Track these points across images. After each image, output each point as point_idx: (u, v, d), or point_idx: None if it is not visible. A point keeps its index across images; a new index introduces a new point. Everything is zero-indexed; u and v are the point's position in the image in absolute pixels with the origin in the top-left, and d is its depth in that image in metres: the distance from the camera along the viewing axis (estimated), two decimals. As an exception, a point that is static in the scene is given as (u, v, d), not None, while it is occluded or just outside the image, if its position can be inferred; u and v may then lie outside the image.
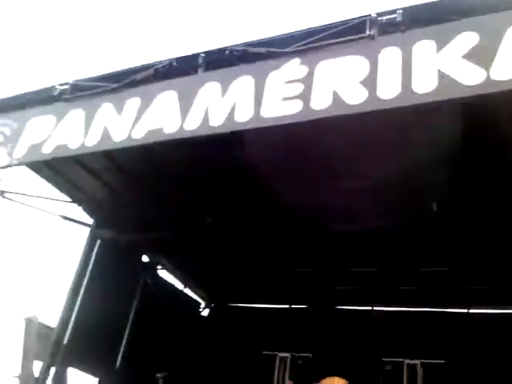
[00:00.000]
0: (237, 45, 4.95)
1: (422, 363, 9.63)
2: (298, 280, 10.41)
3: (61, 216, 8.53)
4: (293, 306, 11.52)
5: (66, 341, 8.52)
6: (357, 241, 8.24)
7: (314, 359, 10.48)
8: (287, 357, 10.88)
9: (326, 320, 10.45)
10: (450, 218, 7.11)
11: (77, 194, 8.31)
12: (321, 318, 10.52)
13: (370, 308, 10.77)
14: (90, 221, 8.83)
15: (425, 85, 3.77)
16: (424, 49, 3.87)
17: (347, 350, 9.59)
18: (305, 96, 4.31)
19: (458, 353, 8.70)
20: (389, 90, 3.92)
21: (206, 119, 4.73)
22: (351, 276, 9.71)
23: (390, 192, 6.74)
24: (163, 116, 4.95)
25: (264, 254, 9.40)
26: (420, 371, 9.61)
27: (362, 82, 4.08)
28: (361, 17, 4.37)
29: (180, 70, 5.05)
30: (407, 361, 9.78)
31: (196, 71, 4.95)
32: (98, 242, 8.96)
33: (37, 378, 8.09)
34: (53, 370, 8.29)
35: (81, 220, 8.78)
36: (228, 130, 4.70)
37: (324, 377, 10.30)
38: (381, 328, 9.69)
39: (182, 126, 4.82)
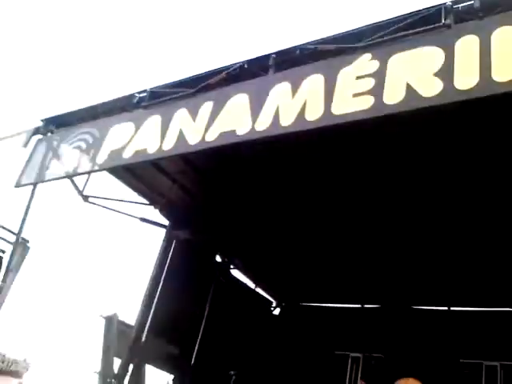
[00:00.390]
0: (307, 43, 4.97)
1: (501, 365, 9.23)
2: (371, 278, 10.26)
3: (140, 218, 8.88)
4: (365, 306, 11.38)
5: (143, 338, 8.85)
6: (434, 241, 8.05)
7: (387, 360, 10.29)
8: (359, 357, 10.77)
9: (399, 320, 10.23)
10: None
11: (154, 197, 8.65)
12: (394, 318, 10.32)
13: (446, 308, 10.44)
14: (167, 222, 9.14)
15: (506, 73, 3.62)
16: (504, 35, 3.72)
17: (422, 351, 9.35)
18: (377, 90, 4.26)
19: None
20: (466, 80, 3.80)
21: (276, 119, 4.79)
22: (426, 276, 9.44)
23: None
24: (235, 118, 5.07)
25: (336, 253, 9.37)
26: (500, 373, 9.21)
27: (436, 74, 3.99)
28: (435, 6, 4.25)
29: (251, 71, 5.15)
30: (486, 362, 9.40)
31: (267, 72, 5.03)
32: (174, 242, 9.28)
33: (116, 374, 8.44)
34: (131, 366, 8.64)
35: (158, 221, 9.10)
36: (298, 129, 4.74)
37: (398, 378, 10.10)
38: (458, 329, 9.37)
39: (253, 127, 4.91)
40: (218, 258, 10.76)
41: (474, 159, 6.03)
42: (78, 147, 6.23)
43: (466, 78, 3.79)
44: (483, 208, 6.89)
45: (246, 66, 5.21)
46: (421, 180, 6.66)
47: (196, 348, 9.69)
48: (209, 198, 8.51)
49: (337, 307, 11.71)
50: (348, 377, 10.69)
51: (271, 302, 12.47)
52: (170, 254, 9.29)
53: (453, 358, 9.40)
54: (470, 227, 7.45)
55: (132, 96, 6.03)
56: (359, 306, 11.45)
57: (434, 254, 8.50)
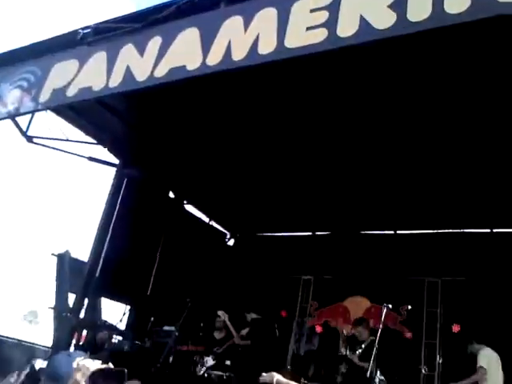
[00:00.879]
0: (260, -25, 4.74)
1: (441, 281, 9.94)
2: (322, 208, 10.59)
3: (87, 158, 8.66)
4: (316, 233, 11.81)
5: (97, 273, 8.96)
6: (380, 167, 8.30)
7: (337, 281, 10.87)
8: (311, 279, 11.30)
9: (348, 245, 10.72)
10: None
11: (102, 136, 8.40)
12: (344, 243, 10.80)
13: (392, 232, 11.00)
14: (117, 161, 8.96)
15: (457, 4, 3.63)
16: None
17: (369, 272, 9.90)
18: (331, 23, 4.19)
19: (479, 270, 8.90)
20: (419, 11, 3.79)
21: (228, 54, 4.64)
22: (374, 201, 9.83)
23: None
24: (185, 53, 4.88)
25: (287, 183, 9.54)
26: (440, 288, 9.94)
27: (390, 6, 3.95)
28: None
29: (202, 5, 4.91)
30: (428, 279, 10.09)
31: (218, 6, 4.81)
32: (125, 180, 9.17)
33: (71, 309, 8.57)
34: (86, 300, 8.78)
35: (107, 160, 8.90)
36: (250, 63, 4.64)
37: (347, 296, 10.76)
38: (403, 249, 9.91)
39: (204, 62, 4.74)
40: (171, 195, 10.76)
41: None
42: (20, 87, 5.86)
43: (419, 10, 3.78)
44: (427, 131, 7.09)
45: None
46: (366, 105, 6.75)
47: (152, 280, 9.89)
48: (158, 134, 8.34)
49: (289, 236, 12.11)
50: (300, 298, 11.26)
51: (225, 234, 12.73)
52: (122, 192, 9.22)
53: (397, 276, 10.01)
54: (412, 150, 7.66)
55: (75, 32, 5.63)
56: (310, 233, 11.89)
57: (379, 181, 8.77)
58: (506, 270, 8.51)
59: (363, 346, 6.88)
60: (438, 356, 9.30)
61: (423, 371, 9.17)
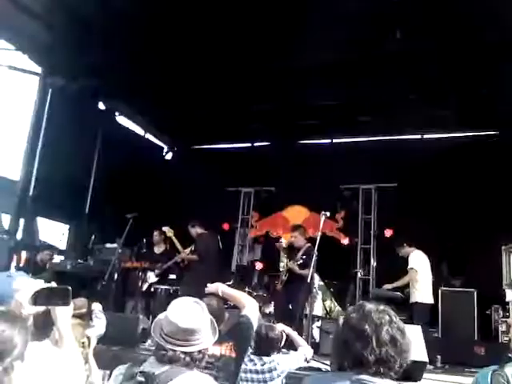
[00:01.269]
0: None
1: (376, 187, 10.34)
2: (260, 118, 10.47)
3: (7, 66, 7.92)
4: (255, 144, 11.77)
5: (31, 192, 8.61)
6: (317, 75, 8.18)
7: (277, 191, 11.05)
8: (251, 191, 11.42)
9: (287, 155, 10.79)
10: (412, 47, 7.09)
11: (21, 41, 7.63)
12: (282, 154, 10.86)
13: (329, 141, 11.14)
14: (39, 69, 8.26)
15: None
16: None
17: (307, 181, 10.08)
18: None
19: (410, 176, 9.26)
20: None
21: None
22: (312, 111, 9.82)
23: (351, 20, 6.57)
24: None
25: (224, 93, 9.26)
26: (374, 194, 10.36)
27: None
28: None
29: None
30: (362, 186, 10.46)
31: None
32: (50, 91, 8.55)
33: (7, 230, 8.29)
34: (22, 221, 8.48)
35: (29, 69, 8.20)
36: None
37: (286, 206, 11.02)
38: (339, 158, 10.09)
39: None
40: (102, 106, 10.21)
41: None
42: None
43: None
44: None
45: None
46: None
47: (89, 197, 9.62)
48: (83, 37, 7.66)
49: (228, 148, 12.00)
50: (241, 210, 11.42)
51: (162, 148, 12.43)
52: (48, 103, 8.64)
53: (334, 185, 10.29)
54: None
55: None
56: (249, 144, 11.82)
57: (314, 91, 8.70)
58: (434, 175, 8.90)
59: (300, 253, 7.10)
60: (372, 260, 9.88)
61: (359, 275, 9.76)
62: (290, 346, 4.03)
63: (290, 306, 6.92)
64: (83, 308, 3.90)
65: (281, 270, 7.31)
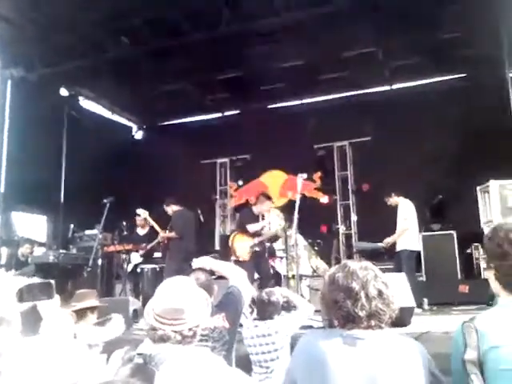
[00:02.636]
0: None
1: (350, 143, 10.40)
2: (226, 86, 10.34)
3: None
4: (225, 114, 11.65)
5: (2, 189, 8.47)
6: (280, 36, 8.09)
7: (252, 159, 11.04)
8: (226, 162, 11.40)
9: (258, 121, 10.71)
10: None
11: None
12: (254, 121, 10.76)
13: (299, 102, 11.08)
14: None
15: None
16: None
17: (281, 145, 10.07)
18: None
19: (383, 129, 9.31)
20: None
21: None
22: (277, 74, 9.72)
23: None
24: None
25: (188, 65, 9.09)
26: (349, 150, 10.44)
27: None
28: None
29: None
30: (337, 143, 10.52)
31: None
32: (9, 82, 8.30)
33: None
34: (-2, 217, 8.37)
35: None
36: None
37: (263, 172, 11.04)
38: (310, 118, 10.07)
39: None
40: (64, 92, 9.94)
41: None
42: None
43: None
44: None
45: None
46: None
47: (62, 186, 9.47)
48: (37, 26, 7.42)
49: (198, 120, 11.86)
50: (218, 181, 11.41)
51: (131, 128, 12.22)
52: (8, 97, 8.41)
53: (308, 145, 10.32)
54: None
55: None
56: (220, 114, 11.70)
57: (281, 50, 8.60)
58: (407, 124, 8.96)
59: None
60: (352, 215, 10.03)
61: (341, 230, 9.92)
62: (288, 306, 4.12)
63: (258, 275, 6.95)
64: (87, 299, 3.88)
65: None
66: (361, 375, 1.67)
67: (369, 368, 1.67)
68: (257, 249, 6.87)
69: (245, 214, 7.33)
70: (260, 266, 6.85)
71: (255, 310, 3.73)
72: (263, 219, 7.10)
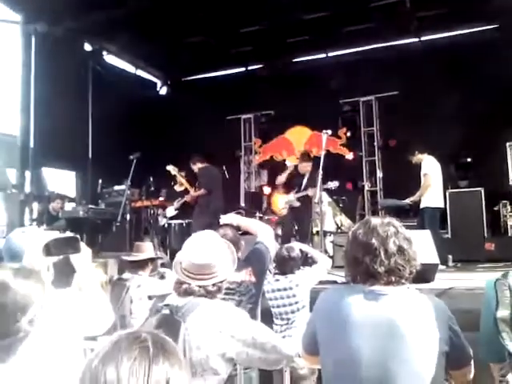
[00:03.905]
0: None
1: (376, 98, 10.16)
2: (250, 40, 10.14)
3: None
4: (249, 68, 11.47)
5: (32, 145, 8.62)
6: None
7: (276, 115, 10.93)
8: (250, 117, 11.32)
9: (282, 76, 10.55)
10: None
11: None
12: (278, 75, 10.61)
13: (324, 55, 10.82)
14: (18, 17, 7.98)
15: None
16: None
17: (307, 101, 9.91)
18: None
19: (411, 83, 9.03)
20: None
21: None
22: (302, 26, 9.48)
23: None
24: None
25: (210, 18, 8.95)
26: (375, 105, 10.21)
27: None
28: None
29: None
30: (362, 98, 10.29)
31: None
32: (33, 38, 8.31)
33: (15, 184, 8.39)
34: (28, 174, 8.56)
35: (7, 18, 7.92)
36: None
37: (287, 128, 10.95)
38: (335, 72, 9.83)
39: None
40: (88, 47, 9.93)
41: None
42: None
43: None
44: None
45: None
46: None
47: (90, 142, 9.59)
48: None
49: (222, 75, 11.70)
50: (243, 137, 11.38)
51: (156, 83, 12.18)
52: (33, 53, 8.44)
53: (333, 101, 10.14)
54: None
55: None
56: (243, 69, 11.52)
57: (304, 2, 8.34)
58: (435, 78, 8.68)
59: (304, 179, 7.15)
60: (378, 171, 9.92)
61: (366, 187, 9.85)
62: (305, 261, 4.19)
63: (296, 226, 7.06)
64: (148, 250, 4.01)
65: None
66: (382, 328, 1.72)
67: (389, 322, 1.71)
68: (294, 204, 6.98)
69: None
70: (299, 220, 6.91)
71: (274, 266, 3.83)
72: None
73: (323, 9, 8.92)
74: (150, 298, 3.39)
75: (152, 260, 4.02)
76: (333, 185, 6.78)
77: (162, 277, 3.92)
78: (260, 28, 9.66)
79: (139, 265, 3.92)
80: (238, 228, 3.43)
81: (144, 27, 8.71)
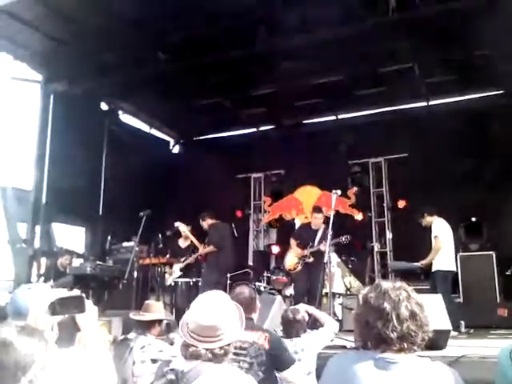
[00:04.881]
0: None
1: (385, 159, 10.27)
2: (262, 102, 10.42)
3: (8, 77, 7.98)
4: (260, 129, 11.73)
5: (44, 200, 8.72)
6: (316, 52, 8.10)
7: (287, 174, 11.06)
8: (261, 176, 11.44)
9: (293, 137, 10.76)
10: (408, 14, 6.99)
11: (18, 50, 7.66)
12: (289, 136, 10.82)
13: (334, 117, 11.06)
14: (39, 77, 8.31)
15: None
16: None
17: (317, 161, 10.05)
18: None
19: (420, 145, 9.16)
20: None
21: None
22: (313, 89, 9.75)
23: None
24: None
25: (225, 80, 9.25)
26: (384, 166, 10.30)
27: None
28: None
29: None
30: (372, 160, 10.40)
31: None
32: (52, 96, 8.60)
33: (25, 239, 8.41)
34: (38, 229, 8.60)
35: (28, 78, 8.24)
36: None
37: (297, 188, 11.03)
38: (345, 134, 10.03)
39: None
40: (104, 106, 10.25)
41: None
42: None
43: None
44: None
45: None
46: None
47: (101, 199, 9.71)
48: (80, 42, 7.68)
49: (234, 136, 11.96)
50: (252, 196, 11.44)
51: (169, 142, 12.45)
52: (51, 110, 8.72)
53: (343, 161, 10.26)
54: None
55: None
56: (254, 130, 11.78)
57: (317, 66, 8.61)
58: (444, 141, 8.79)
59: (319, 235, 7.13)
60: (387, 232, 9.86)
61: (376, 248, 9.76)
62: (313, 323, 4.12)
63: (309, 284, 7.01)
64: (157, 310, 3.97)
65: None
66: (392, 400, 1.65)
67: (399, 393, 1.65)
68: (308, 260, 6.94)
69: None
70: (312, 277, 6.88)
71: (282, 328, 3.75)
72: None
73: (334, 73, 9.19)
74: (153, 361, 3.31)
75: (160, 322, 3.93)
76: (345, 238, 6.73)
77: (172, 343, 3.82)
78: (271, 91, 9.94)
79: (146, 325, 3.82)
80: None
81: (159, 88, 8.99)
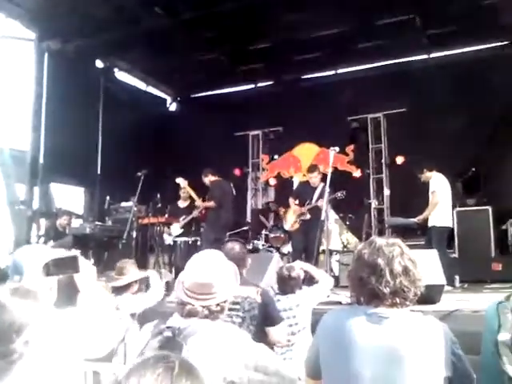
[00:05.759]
0: None
1: (384, 115, 10.14)
2: (260, 57, 10.21)
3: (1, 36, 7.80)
4: (258, 85, 11.55)
5: (41, 160, 8.69)
6: (313, 3, 7.89)
7: (285, 131, 10.96)
8: (259, 134, 11.35)
9: (291, 92, 10.59)
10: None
11: (10, 8, 7.46)
12: (287, 92, 10.65)
13: (333, 72, 10.87)
14: (32, 35, 8.12)
15: None
16: None
17: (315, 117, 9.93)
18: None
19: (419, 99, 9.03)
20: None
21: None
22: (311, 43, 9.54)
23: None
24: None
25: (220, 35, 9.05)
26: (383, 122, 10.19)
27: None
28: None
29: None
30: (371, 115, 10.28)
31: None
32: (46, 55, 8.45)
33: (23, 200, 8.44)
34: (36, 190, 8.61)
35: (22, 36, 8.06)
36: None
37: (295, 145, 10.96)
38: (344, 89, 9.87)
39: None
40: (99, 64, 10.06)
41: None
42: None
43: None
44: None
45: None
46: None
47: (99, 158, 9.67)
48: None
49: (231, 92, 11.80)
50: (250, 154, 11.39)
51: (166, 100, 12.29)
52: (45, 69, 8.58)
53: (341, 118, 10.14)
54: None
55: None
56: (252, 86, 11.60)
57: (314, 17, 8.41)
58: (443, 95, 8.67)
59: (316, 192, 7.12)
60: (385, 189, 9.86)
61: (373, 205, 9.79)
62: (310, 280, 4.17)
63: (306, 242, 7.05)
64: (131, 271, 3.92)
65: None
66: (383, 353, 1.70)
67: (391, 346, 1.70)
68: (305, 217, 7.03)
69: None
70: (308, 233, 6.93)
71: (277, 285, 3.80)
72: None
73: (333, 26, 8.97)
74: (132, 316, 3.37)
75: (136, 281, 3.87)
76: (340, 194, 6.72)
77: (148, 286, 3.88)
78: (269, 45, 9.73)
79: (123, 288, 3.77)
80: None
81: (155, 45, 8.81)
